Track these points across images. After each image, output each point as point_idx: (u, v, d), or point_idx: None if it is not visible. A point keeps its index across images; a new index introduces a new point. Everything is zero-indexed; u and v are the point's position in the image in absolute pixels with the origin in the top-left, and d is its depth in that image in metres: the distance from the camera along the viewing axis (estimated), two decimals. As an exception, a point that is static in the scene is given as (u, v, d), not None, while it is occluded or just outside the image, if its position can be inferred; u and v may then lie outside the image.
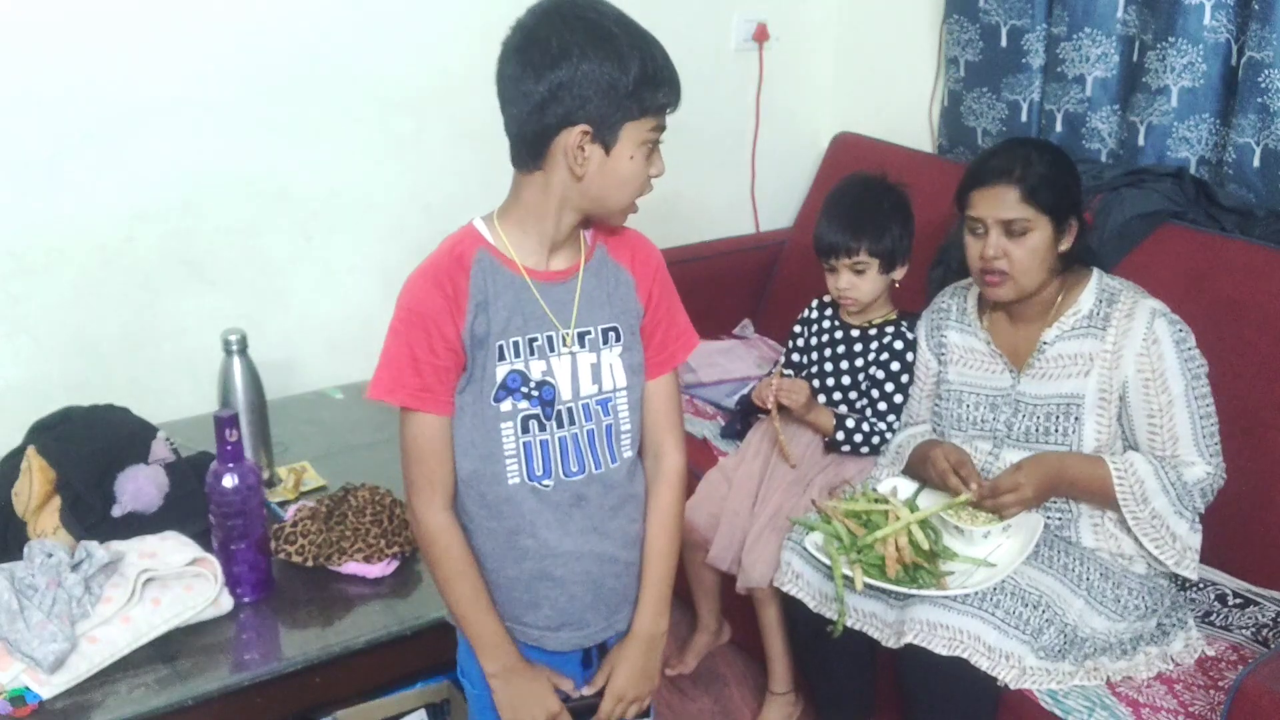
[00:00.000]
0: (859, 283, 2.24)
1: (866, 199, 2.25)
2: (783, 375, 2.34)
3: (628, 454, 1.50)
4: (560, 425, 1.44)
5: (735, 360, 2.96)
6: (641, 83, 1.33)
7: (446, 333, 1.38)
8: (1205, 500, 1.95)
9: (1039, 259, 1.97)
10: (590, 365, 1.46)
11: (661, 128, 1.39)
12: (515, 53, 1.34)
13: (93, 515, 1.91)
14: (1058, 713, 1.82)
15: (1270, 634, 1.99)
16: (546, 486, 1.44)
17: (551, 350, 1.43)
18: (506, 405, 1.42)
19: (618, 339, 1.48)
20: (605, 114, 1.33)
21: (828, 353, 2.36)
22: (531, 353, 1.42)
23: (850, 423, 2.26)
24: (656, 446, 1.54)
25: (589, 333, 1.46)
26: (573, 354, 1.44)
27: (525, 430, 1.43)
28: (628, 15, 1.36)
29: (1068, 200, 1.98)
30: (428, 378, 1.39)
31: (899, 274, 2.27)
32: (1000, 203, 1.95)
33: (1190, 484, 1.92)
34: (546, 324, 1.43)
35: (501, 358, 1.41)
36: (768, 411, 2.28)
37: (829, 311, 2.40)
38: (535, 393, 1.42)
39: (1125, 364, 1.96)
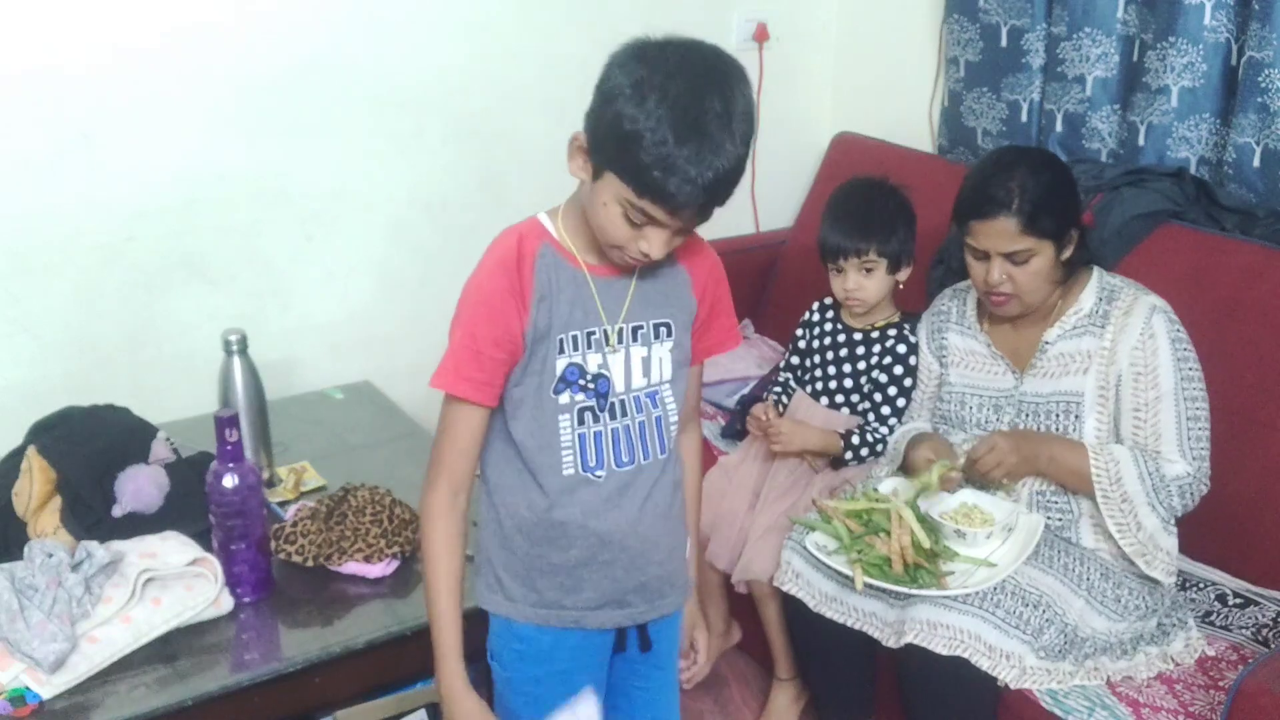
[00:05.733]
0: (866, 283, 2.24)
1: (872, 200, 2.25)
2: (765, 410, 2.30)
3: (672, 445, 1.53)
4: (614, 417, 1.47)
5: (735, 360, 2.95)
6: (649, 169, 1.25)
7: (510, 323, 1.39)
8: (1184, 502, 1.94)
9: (1044, 278, 1.97)
10: (641, 359, 1.48)
11: (643, 211, 1.30)
12: (632, 50, 1.30)
13: (93, 515, 1.90)
14: (1058, 713, 1.82)
15: (1270, 634, 1.99)
16: (599, 477, 1.47)
17: (606, 344, 1.45)
18: (565, 398, 1.44)
19: (669, 334, 1.50)
20: (597, 146, 1.32)
21: (829, 355, 2.35)
22: (589, 346, 1.44)
23: (855, 439, 2.25)
24: (683, 424, 1.58)
25: (641, 327, 1.48)
26: (626, 348, 1.47)
27: (581, 422, 1.45)
28: (738, 123, 1.27)
29: (1067, 219, 1.96)
30: (490, 371, 1.41)
31: (903, 275, 2.26)
32: (1001, 235, 1.93)
33: (1168, 479, 1.92)
34: (601, 319, 1.45)
35: (561, 351, 1.43)
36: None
37: (830, 314, 2.39)
38: (592, 385, 1.45)
39: (1120, 358, 1.96)
